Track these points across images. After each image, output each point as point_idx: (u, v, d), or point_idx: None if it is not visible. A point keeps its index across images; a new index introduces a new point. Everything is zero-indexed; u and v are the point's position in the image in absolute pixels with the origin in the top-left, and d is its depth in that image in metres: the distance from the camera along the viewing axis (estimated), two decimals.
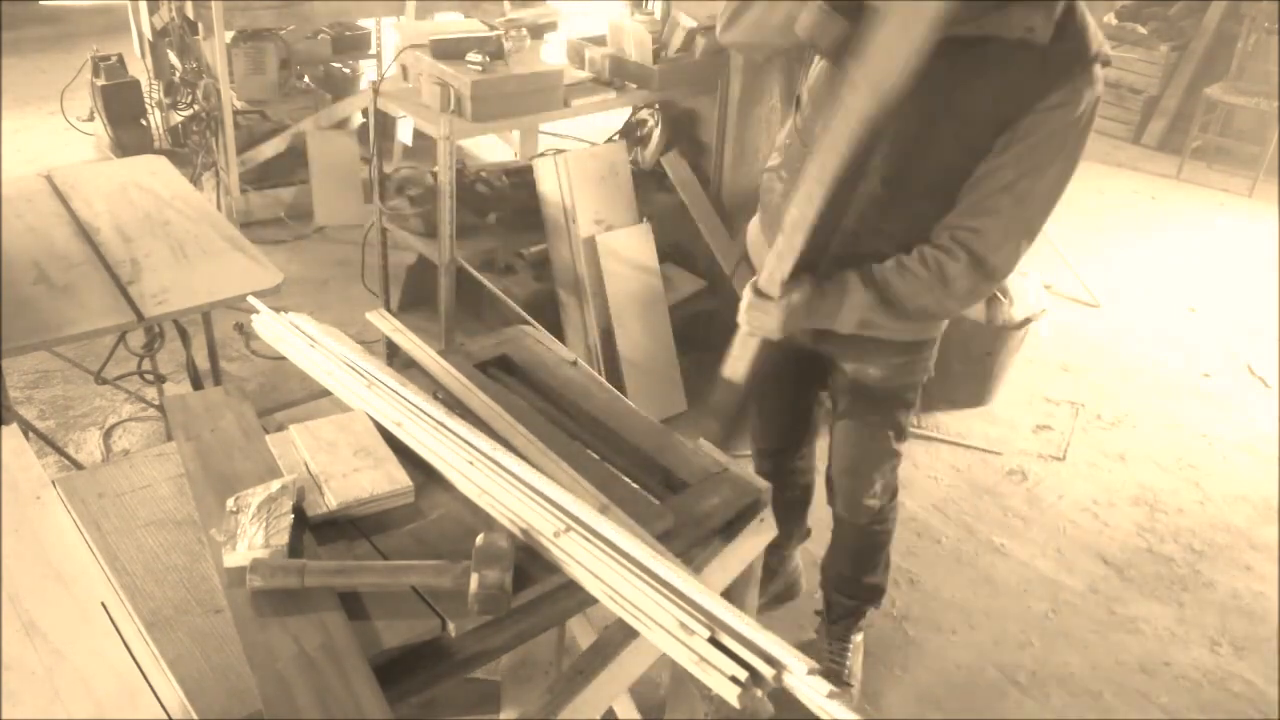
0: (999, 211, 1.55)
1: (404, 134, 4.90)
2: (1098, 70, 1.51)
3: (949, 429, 3.45)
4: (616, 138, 3.74)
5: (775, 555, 2.48)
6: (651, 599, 1.15)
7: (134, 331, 2.23)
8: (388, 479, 1.36)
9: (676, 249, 3.50)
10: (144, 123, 4.78)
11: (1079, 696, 2.42)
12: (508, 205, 3.84)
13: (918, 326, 1.80)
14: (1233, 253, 5.00)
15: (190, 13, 4.23)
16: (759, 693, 1.05)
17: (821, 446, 2.30)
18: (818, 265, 1.65)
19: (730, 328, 1.73)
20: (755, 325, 1.67)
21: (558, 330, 3.14)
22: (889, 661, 2.48)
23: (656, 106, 3.55)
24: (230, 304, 2.17)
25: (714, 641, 1.10)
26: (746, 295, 1.66)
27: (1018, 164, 1.52)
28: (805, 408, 2.26)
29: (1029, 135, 1.51)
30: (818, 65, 1.70)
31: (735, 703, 1.05)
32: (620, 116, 3.83)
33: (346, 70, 5.15)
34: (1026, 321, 3.40)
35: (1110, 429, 3.54)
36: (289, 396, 1.63)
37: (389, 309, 3.61)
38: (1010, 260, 1.60)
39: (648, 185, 3.51)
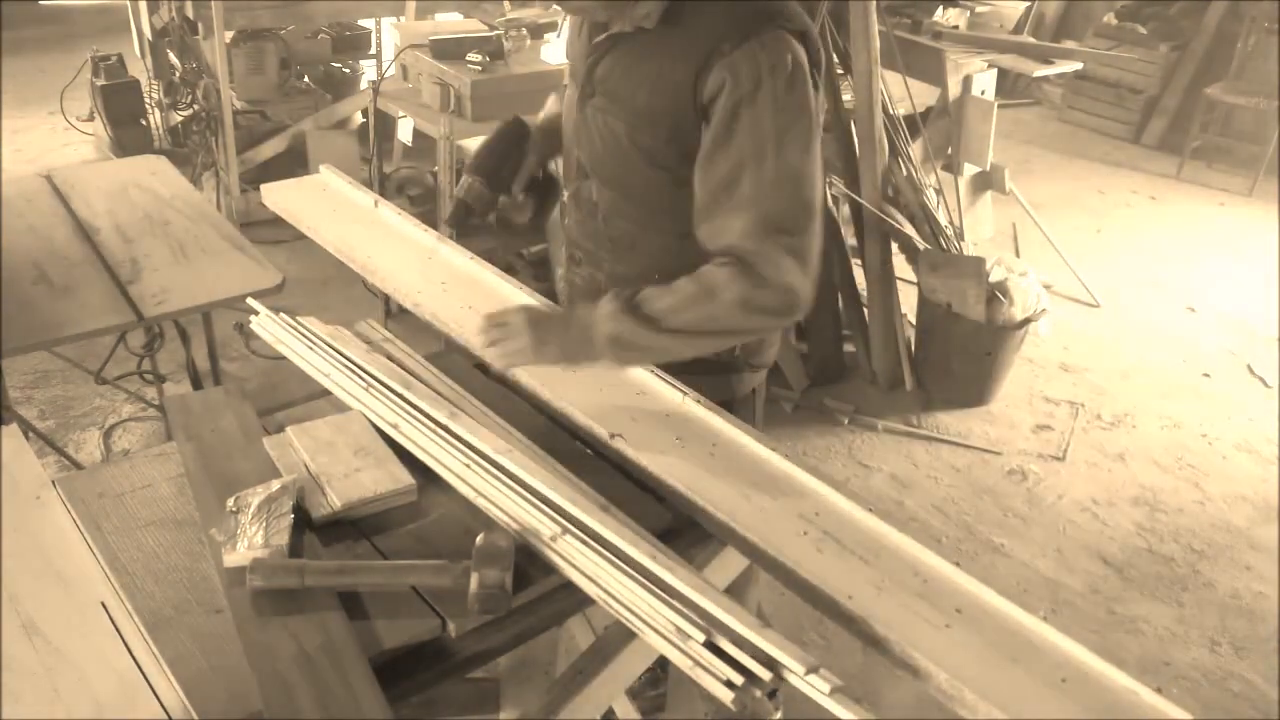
0: (735, 208, 1.40)
1: (404, 134, 4.90)
2: (768, 38, 1.37)
3: (949, 429, 3.45)
4: None
5: None
6: (648, 602, 1.15)
7: (134, 331, 2.23)
8: (390, 478, 1.36)
9: None
10: (144, 123, 4.79)
11: None
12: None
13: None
14: (1233, 253, 5.00)
15: (190, 13, 4.24)
16: (758, 693, 1.05)
17: None
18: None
19: None
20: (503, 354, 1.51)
21: None
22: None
23: None
24: (230, 304, 2.17)
25: (711, 645, 1.09)
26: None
27: (719, 159, 1.41)
28: None
29: (714, 130, 1.41)
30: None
31: (730, 706, 1.05)
32: None
33: (346, 70, 5.15)
34: (1026, 321, 3.40)
35: (1110, 429, 3.54)
36: (289, 396, 1.63)
37: (389, 309, 3.60)
38: (770, 259, 1.37)
39: None
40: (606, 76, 1.53)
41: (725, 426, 1.47)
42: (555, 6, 4.59)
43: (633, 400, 1.52)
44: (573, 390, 1.53)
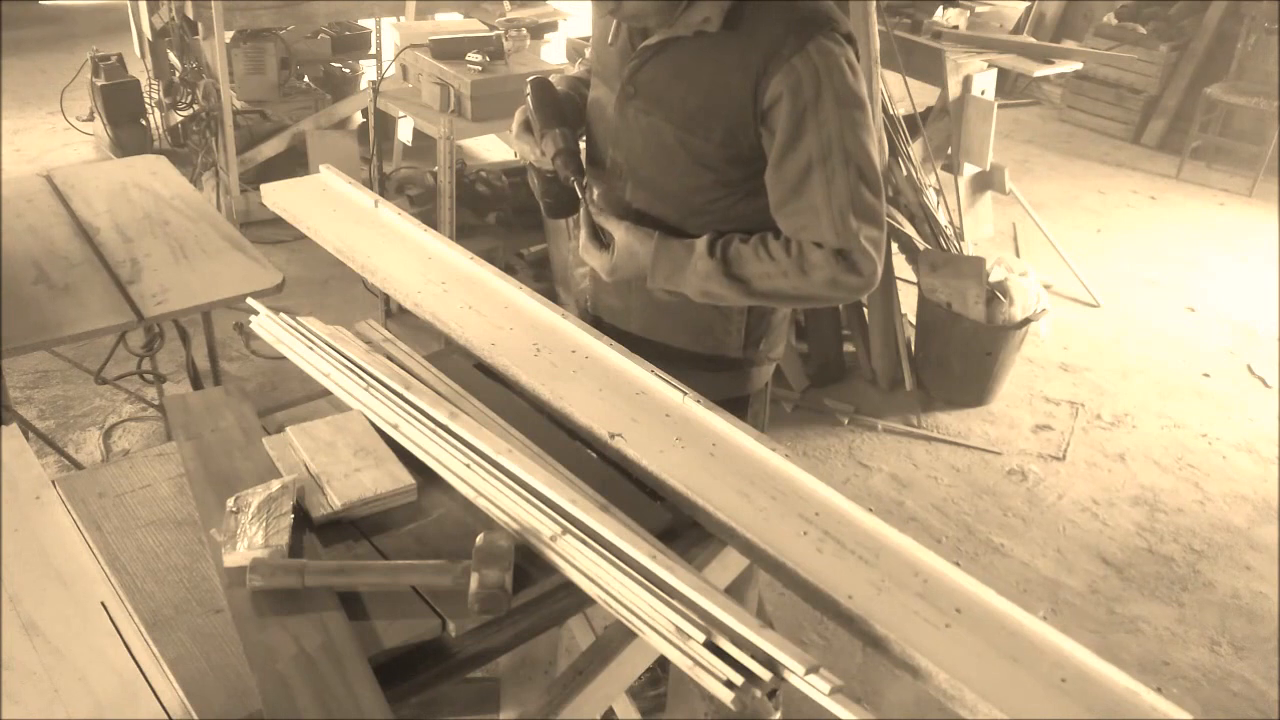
0: (815, 206, 1.48)
1: (404, 134, 4.90)
2: (823, 43, 1.43)
3: (949, 429, 3.45)
4: None
5: None
6: (648, 602, 1.15)
7: (134, 331, 2.23)
8: (390, 478, 1.36)
9: None
10: (144, 123, 4.79)
11: None
12: (508, 205, 3.84)
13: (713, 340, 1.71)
14: (1233, 253, 5.00)
15: (190, 13, 4.23)
16: (758, 693, 1.05)
17: None
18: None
19: None
20: (590, 260, 1.65)
21: None
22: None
23: None
24: (230, 304, 2.17)
25: (711, 645, 1.10)
26: (584, 227, 1.62)
27: (787, 163, 1.48)
28: None
29: (780, 134, 1.46)
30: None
31: (730, 706, 1.05)
32: None
33: (346, 70, 5.15)
34: (1026, 321, 3.40)
35: (1110, 429, 3.54)
36: (289, 396, 1.63)
37: (388, 309, 3.61)
38: (860, 249, 1.48)
39: None
40: (653, 79, 1.53)
41: (725, 426, 1.47)
42: (553, 4, 4.59)
43: (633, 400, 1.52)
44: (573, 390, 1.53)
